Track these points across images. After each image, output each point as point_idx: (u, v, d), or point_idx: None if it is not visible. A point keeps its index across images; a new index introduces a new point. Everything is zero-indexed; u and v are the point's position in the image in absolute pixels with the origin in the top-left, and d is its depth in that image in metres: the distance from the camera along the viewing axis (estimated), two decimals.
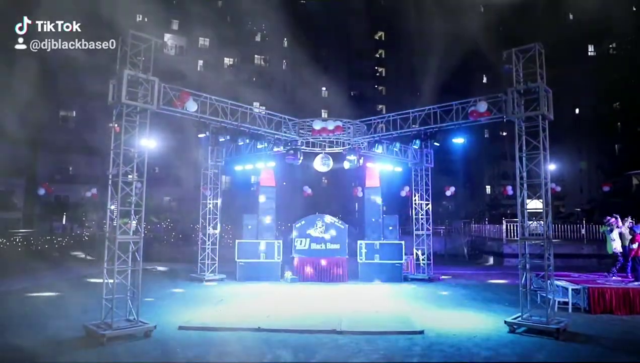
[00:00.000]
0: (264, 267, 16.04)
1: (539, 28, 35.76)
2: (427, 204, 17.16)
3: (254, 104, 28.75)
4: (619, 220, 12.64)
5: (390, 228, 16.73)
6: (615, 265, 12.64)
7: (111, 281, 8.76)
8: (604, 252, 13.97)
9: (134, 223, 9.54)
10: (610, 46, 44.46)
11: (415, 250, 17.31)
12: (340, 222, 16.64)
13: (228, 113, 12.23)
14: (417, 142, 13.61)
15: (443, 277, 17.13)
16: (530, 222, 10.20)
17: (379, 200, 16.98)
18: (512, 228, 22.52)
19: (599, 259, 19.73)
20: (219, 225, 17.10)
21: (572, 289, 11.33)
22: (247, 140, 14.22)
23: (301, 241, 16.32)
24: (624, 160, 37.06)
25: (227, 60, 41.76)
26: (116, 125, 9.34)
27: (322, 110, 40.06)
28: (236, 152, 16.45)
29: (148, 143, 9.88)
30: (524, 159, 9.73)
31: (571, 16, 45.70)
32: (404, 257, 16.34)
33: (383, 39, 50.30)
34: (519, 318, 9.42)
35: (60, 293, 13.41)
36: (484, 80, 47.32)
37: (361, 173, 17.41)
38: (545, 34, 29.03)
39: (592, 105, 42.93)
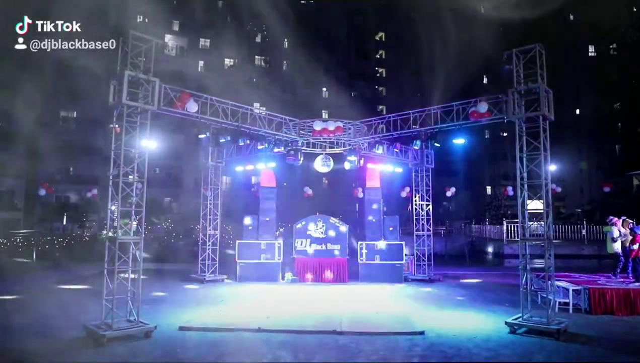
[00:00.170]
0: (264, 268, 16.03)
1: (539, 28, 35.73)
2: (427, 205, 17.16)
3: (255, 104, 28.80)
4: (620, 222, 12.66)
5: (391, 228, 16.73)
6: (617, 266, 12.64)
7: (111, 282, 8.76)
8: (605, 252, 13.97)
9: (134, 223, 9.55)
10: (611, 47, 44.49)
11: (415, 251, 17.30)
12: (340, 223, 16.63)
13: (228, 114, 12.23)
14: (418, 142, 13.62)
15: (443, 277, 17.11)
16: (531, 223, 10.20)
17: (379, 201, 16.98)
18: (512, 228, 22.54)
19: (599, 260, 19.74)
20: (219, 226, 17.11)
21: (573, 290, 11.32)
22: (248, 141, 14.23)
23: (302, 242, 16.32)
24: (625, 161, 37.08)
25: (228, 61, 41.78)
26: (117, 125, 9.34)
27: (323, 111, 40.08)
28: (237, 153, 16.45)
29: (149, 144, 9.89)
30: (524, 159, 9.72)
31: (572, 17, 45.72)
32: (404, 257, 16.34)
33: (384, 39, 50.31)
34: (520, 319, 9.41)
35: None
36: (485, 80, 47.30)
37: (362, 174, 17.40)
38: (546, 35, 29.02)
39: (592, 106, 42.94)
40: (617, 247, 12.54)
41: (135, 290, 9.08)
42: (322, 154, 15.54)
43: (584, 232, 22.63)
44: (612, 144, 42.61)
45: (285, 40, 43.23)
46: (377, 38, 50.35)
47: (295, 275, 16.05)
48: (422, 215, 17.20)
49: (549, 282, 9.45)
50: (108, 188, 9.34)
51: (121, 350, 8.00)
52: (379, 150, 14.92)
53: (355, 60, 47.15)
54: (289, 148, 14.57)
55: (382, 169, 16.90)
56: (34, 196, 30.41)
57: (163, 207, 35.26)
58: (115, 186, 9.11)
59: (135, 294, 9.08)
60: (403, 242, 16.48)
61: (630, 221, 12.76)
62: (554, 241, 10.98)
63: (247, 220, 16.91)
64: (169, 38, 40.36)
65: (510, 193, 22.25)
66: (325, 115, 37.44)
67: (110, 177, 9.31)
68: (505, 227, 22.90)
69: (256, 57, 43.44)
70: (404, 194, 19.31)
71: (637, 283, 11.62)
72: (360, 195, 19.39)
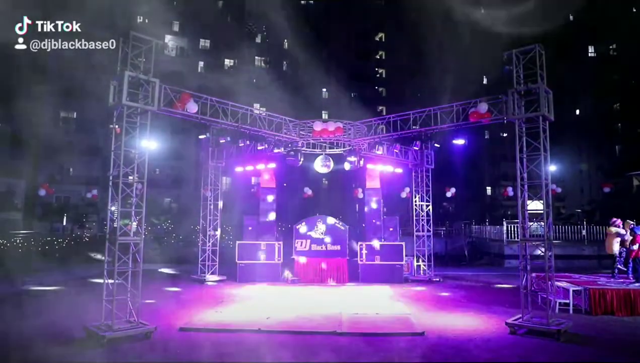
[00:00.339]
0: (264, 268, 16.03)
1: (539, 29, 35.73)
2: (427, 205, 17.15)
3: (255, 105, 28.77)
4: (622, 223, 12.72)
5: (391, 229, 16.75)
6: (615, 267, 12.71)
7: (111, 282, 8.75)
8: (605, 252, 13.98)
9: (134, 224, 9.54)
10: (611, 47, 44.51)
11: (415, 252, 17.30)
12: (340, 224, 16.63)
13: (229, 114, 12.23)
14: (418, 143, 13.62)
15: (444, 278, 17.10)
16: (531, 223, 10.19)
17: (379, 201, 16.98)
18: (512, 229, 22.52)
19: (599, 260, 19.74)
20: (219, 227, 17.10)
21: (573, 290, 11.31)
22: (248, 142, 14.24)
23: (301, 242, 16.32)
24: (625, 161, 37.07)
25: (228, 62, 41.79)
26: (117, 126, 9.34)
27: (323, 112, 40.06)
28: (237, 153, 16.45)
29: (149, 144, 9.89)
30: (524, 160, 9.71)
31: (571, 17, 45.71)
32: (404, 258, 16.33)
33: (383, 40, 50.31)
34: (520, 320, 9.40)
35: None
36: (485, 81, 47.29)
37: (361, 174, 17.42)
38: (546, 35, 29.01)
39: (592, 106, 42.96)
40: (616, 248, 12.62)
41: (135, 291, 9.08)
42: (322, 154, 15.56)
43: (584, 232, 22.60)
44: (612, 145, 42.61)
45: (285, 40, 43.24)
46: (377, 39, 50.34)
47: (295, 276, 16.04)
48: (422, 216, 17.20)
49: (549, 282, 9.44)
50: (108, 189, 9.34)
51: (121, 351, 7.99)
52: (379, 150, 14.92)
53: (356, 60, 47.12)
54: (289, 148, 14.59)
55: (382, 169, 16.91)
56: (34, 196, 30.39)
57: (163, 207, 35.24)
58: (116, 187, 9.10)
59: (135, 295, 9.08)
60: (403, 243, 16.48)
61: (631, 222, 12.79)
62: (554, 242, 10.98)
63: (247, 221, 16.90)
64: (169, 38, 40.35)
65: (510, 193, 22.27)
66: (325, 115, 37.43)
67: (111, 178, 9.31)
68: (505, 228, 22.88)
69: (256, 57, 43.42)
70: (404, 195, 19.30)
71: (637, 284, 11.61)
72: (360, 195, 19.39)
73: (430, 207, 17.23)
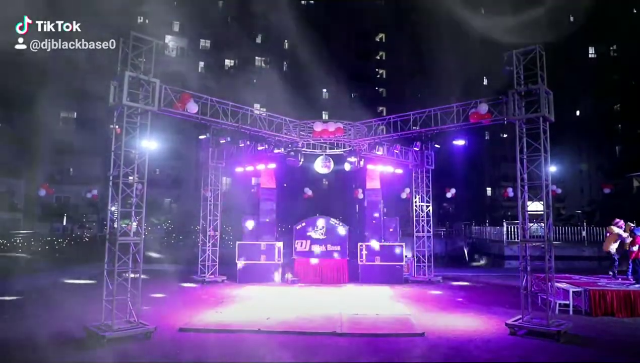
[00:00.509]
0: (264, 269, 16.03)
1: (540, 29, 35.74)
2: (427, 206, 17.15)
3: (255, 105, 28.76)
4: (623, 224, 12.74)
5: (391, 230, 16.74)
6: (612, 267, 12.76)
7: (111, 282, 8.75)
8: (605, 253, 13.98)
9: (134, 224, 9.54)
10: (611, 48, 44.51)
11: (415, 252, 17.29)
12: (340, 224, 16.62)
13: (229, 115, 12.22)
14: (418, 144, 13.61)
15: (444, 279, 17.09)
16: (531, 224, 10.19)
17: (379, 202, 16.97)
18: (512, 230, 22.51)
19: (600, 261, 19.72)
20: (219, 227, 17.09)
21: (573, 291, 11.31)
22: (248, 142, 14.22)
23: (301, 243, 16.31)
24: (625, 162, 37.06)
25: (228, 62, 41.79)
26: (117, 126, 9.34)
27: (323, 112, 40.05)
28: (237, 154, 16.45)
29: (149, 144, 9.88)
30: (524, 160, 9.71)
31: (571, 18, 45.71)
32: (404, 258, 16.33)
33: (384, 40, 50.30)
34: (520, 321, 9.40)
35: None
36: (485, 82, 47.29)
37: (362, 175, 17.41)
38: (546, 35, 29.03)
39: (592, 107, 42.94)
40: (613, 247, 12.65)
41: (135, 291, 9.08)
42: (322, 155, 15.55)
43: (584, 233, 22.59)
44: (612, 145, 42.57)
45: (286, 41, 43.24)
46: (378, 39, 50.32)
47: (295, 276, 16.03)
48: (422, 217, 17.19)
49: (549, 283, 9.44)
50: (108, 189, 9.34)
51: (121, 351, 7.98)
52: (379, 151, 14.91)
53: (356, 61, 47.10)
54: (289, 149, 14.58)
55: (382, 170, 16.90)
56: (34, 196, 30.39)
57: (163, 207, 35.23)
58: (116, 187, 9.10)
59: (135, 295, 9.08)
60: (403, 244, 16.48)
61: (632, 224, 12.78)
62: (554, 242, 10.97)
63: (247, 221, 16.89)
64: (169, 39, 40.35)
65: (511, 194, 22.22)
66: (325, 116, 37.41)
67: (111, 178, 9.30)
68: (505, 229, 22.88)
69: (256, 57, 43.42)
70: (404, 195, 19.29)
71: (637, 285, 11.60)
72: (361, 196, 19.40)
73: (431, 207, 17.22)
